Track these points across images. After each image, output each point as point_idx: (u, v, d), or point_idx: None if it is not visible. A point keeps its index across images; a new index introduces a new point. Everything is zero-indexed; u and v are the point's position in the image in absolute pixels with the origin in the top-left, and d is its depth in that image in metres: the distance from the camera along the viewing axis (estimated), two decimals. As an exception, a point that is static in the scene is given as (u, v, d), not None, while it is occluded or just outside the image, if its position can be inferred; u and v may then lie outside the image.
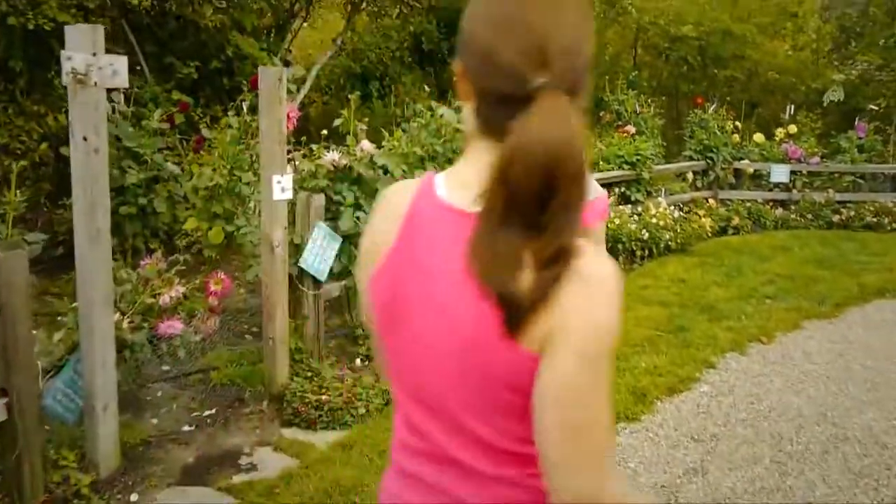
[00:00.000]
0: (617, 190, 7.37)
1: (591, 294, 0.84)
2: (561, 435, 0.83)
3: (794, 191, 9.23)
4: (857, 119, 10.78)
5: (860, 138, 9.85)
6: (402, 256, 0.93)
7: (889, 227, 8.92)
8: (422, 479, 0.98)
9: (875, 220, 9.01)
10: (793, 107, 10.96)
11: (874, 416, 3.66)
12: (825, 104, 12.56)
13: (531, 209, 0.81)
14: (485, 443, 0.91)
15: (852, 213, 9.10)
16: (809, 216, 9.02)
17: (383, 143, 4.75)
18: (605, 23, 14.61)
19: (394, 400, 1.02)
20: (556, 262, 0.82)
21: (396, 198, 0.97)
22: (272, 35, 8.50)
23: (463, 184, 0.91)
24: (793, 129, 9.91)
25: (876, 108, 11.46)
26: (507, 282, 0.81)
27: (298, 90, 7.21)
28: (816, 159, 9.31)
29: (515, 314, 0.82)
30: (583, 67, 0.87)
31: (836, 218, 9.05)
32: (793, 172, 9.21)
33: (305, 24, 9.31)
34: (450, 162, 5.74)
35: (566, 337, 0.82)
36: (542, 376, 0.84)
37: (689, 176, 8.75)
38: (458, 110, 5.88)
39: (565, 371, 0.82)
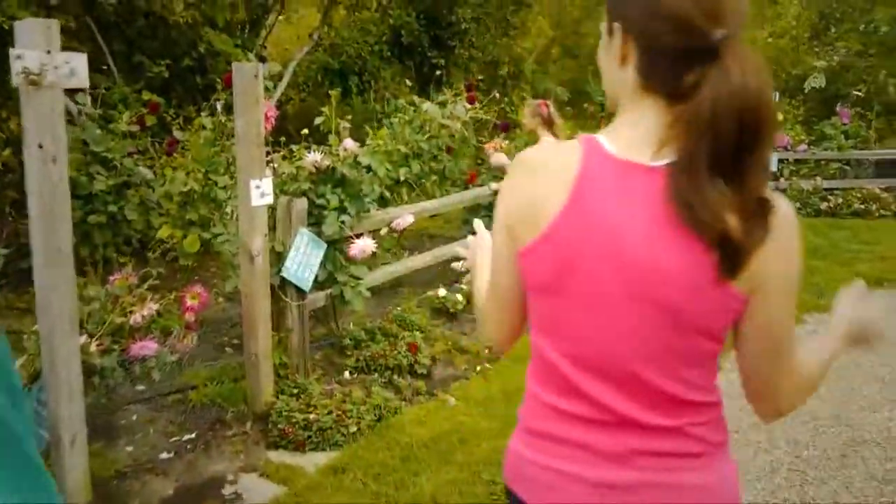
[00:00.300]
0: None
1: (789, 234, 0.92)
2: (772, 365, 0.98)
3: (782, 179, 9.13)
4: (838, 105, 10.73)
5: (844, 124, 9.77)
6: (577, 217, 0.92)
7: (877, 214, 8.85)
8: (585, 446, 0.99)
9: (863, 206, 8.94)
10: (777, 94, 10.87)
11: (889, 414, 3.52)
12: (806, 91, 12.51)
13: (732, 158, 0.85)
14: (664, 396, 0.95)
15: (840, 201, 9.02)
16: (797, 204, 8.93)
17: (368, 142, 4.52)
18: (585, 13, 14.46)
19: (545, 367, 1.02)
20: (763, 207, 0.88)
21: (554, 161, 0.96)
22: (246, 31, 8.21)
23: (634, 141, 0.93)
24: (779, 116, 9.80)
25: (859, 93, 11.40)
26: (725, 228, 0.85)
27: (275, 87, 6.95)
28: (804, 146, 9.22)
29: (734, 259, 0.87)
30: (744, 18, 0.91)
31: (823, 206, 8.97)
32: (780, 160, 9.11)
33: (281, 18, 9.02)
34: (435, 159, 5.51)
35: (775, 277, 0.92)
36: (754, 315, 0.94)
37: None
38: (442, 105, 5.66)
39: (777, 308, 0.94)
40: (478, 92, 6.59)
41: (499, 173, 5.94)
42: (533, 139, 5.87)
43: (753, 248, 0.87)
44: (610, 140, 0.95)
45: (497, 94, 6.28)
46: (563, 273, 0.94)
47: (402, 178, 5.15)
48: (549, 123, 5.53)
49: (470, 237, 1.44)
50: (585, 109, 11.05)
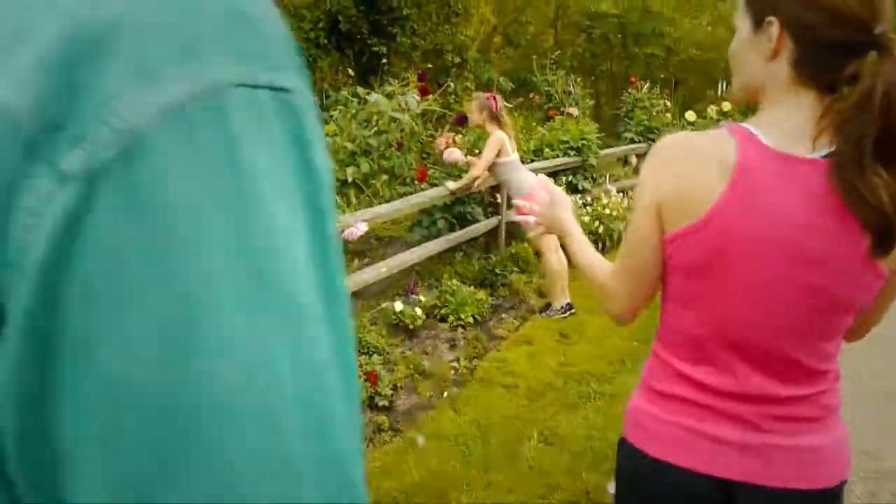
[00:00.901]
0: (564, 179, 6.80)
1: None
2: (879, 312, 1.12)
3: (735, 170, 9.00)
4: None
5: (790, 114, 9.72)
6: (737, 204, 0.97)
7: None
8: (715, 409, 1.06)
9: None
10: (725, 83, 10.76)
11: (904, 437, 3.21)
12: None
13: (892, 145, 0.91)
14: (801, 368, 1.03)
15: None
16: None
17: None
18: (526, 1, 14.11)
19: (680, 338, 1.09)
20: None
21: (708, 149, 1.00)
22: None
23: (789, 132, 0.98)
24: (727, 106, 9.65)
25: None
26: (887, 213, 0.92)
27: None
28: (756, 137, 9.10)
29: (888, 240, 0.94)
30: (892, 9, 0.97)
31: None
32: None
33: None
34: (384, 157, 5.00)
35: None
36: (889, 284, 1.03)
37: (633, 160, 8.31)
38: (390, 96, 5.13)
39: None
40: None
41: (453, 170, 5.47)
42: (483, 134, 5.44)
43: None
44: (762, 131, 0.98)
45: (450, 84, 5.79)
46: (719, 256, 0.99)
47: (349, 179, 4.63)
48: (497, 118, 5.10)
49: (538, 190, 1.37)
50: (531, 99, 10.69)
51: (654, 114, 8.61)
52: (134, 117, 0.28)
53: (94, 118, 0.28)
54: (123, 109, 0.28)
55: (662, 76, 11.46)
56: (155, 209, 0.28)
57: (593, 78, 12.80)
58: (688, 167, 1.01)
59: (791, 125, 0.98)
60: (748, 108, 9.86)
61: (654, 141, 8.66)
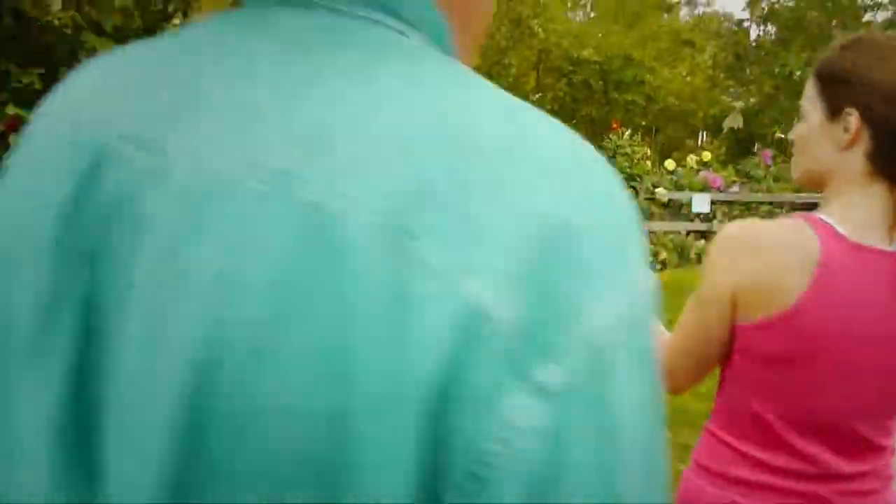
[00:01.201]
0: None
1: None
2: None
3: (716, 221, 8.91)
4: (755, 145, 10.78)
5: (768, 166, 9.76)
6: (822, 297, 0.97)
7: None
8: (779, 489, 1.06)
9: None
10: (704, 133, 10.82)
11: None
12: (725, 130, 12.65)
13: None
14: (869, 445, 1.06)
15: (772, 244, 8.90)
16: (731, 247, 8.73)
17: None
18: (509, 44, 14.20)
19: (746, 422, 1.09)
20: None
21: (789, 241, 1.01)
22: (141, 38, 7.23)
23: (865, 224, 1.00)
24: (707, 155, 9.66)
25: (783, 135, 11.55)
26: None
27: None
28: (737, 187, 9.08)
29: None
30: None
31: (757, 248, 8.82)
32: (712, 202, 8.90)
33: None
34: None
35: None
36: None
37: (614, 207, 8.19)
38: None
39: None
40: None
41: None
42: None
43: None
44: (836, 220, 0.99)
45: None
46: (802, 347, 1.00)
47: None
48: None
49: None
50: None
51: (636, 161, 8.54)
52: (599, 329, 0.29)
53: (565, 329, 0.29)
54: (590, 321, 0.29)
55: (643, 123, 11.47)
56: (612, 430, 0.30)
57: (574, 122, 12.80)
58: (768, 257, 1.00)
59: (865, 216, 1.00)
60: (727, 159, 9.89)
61: (635, 189, 8.60)
